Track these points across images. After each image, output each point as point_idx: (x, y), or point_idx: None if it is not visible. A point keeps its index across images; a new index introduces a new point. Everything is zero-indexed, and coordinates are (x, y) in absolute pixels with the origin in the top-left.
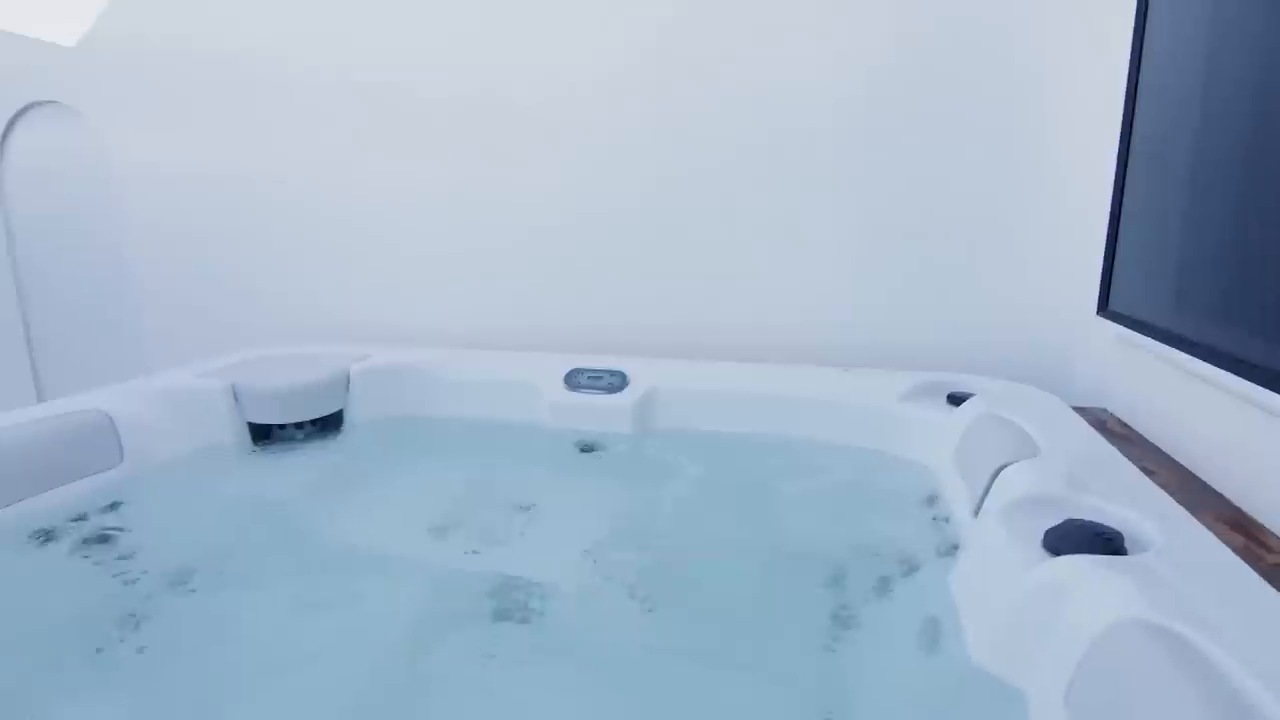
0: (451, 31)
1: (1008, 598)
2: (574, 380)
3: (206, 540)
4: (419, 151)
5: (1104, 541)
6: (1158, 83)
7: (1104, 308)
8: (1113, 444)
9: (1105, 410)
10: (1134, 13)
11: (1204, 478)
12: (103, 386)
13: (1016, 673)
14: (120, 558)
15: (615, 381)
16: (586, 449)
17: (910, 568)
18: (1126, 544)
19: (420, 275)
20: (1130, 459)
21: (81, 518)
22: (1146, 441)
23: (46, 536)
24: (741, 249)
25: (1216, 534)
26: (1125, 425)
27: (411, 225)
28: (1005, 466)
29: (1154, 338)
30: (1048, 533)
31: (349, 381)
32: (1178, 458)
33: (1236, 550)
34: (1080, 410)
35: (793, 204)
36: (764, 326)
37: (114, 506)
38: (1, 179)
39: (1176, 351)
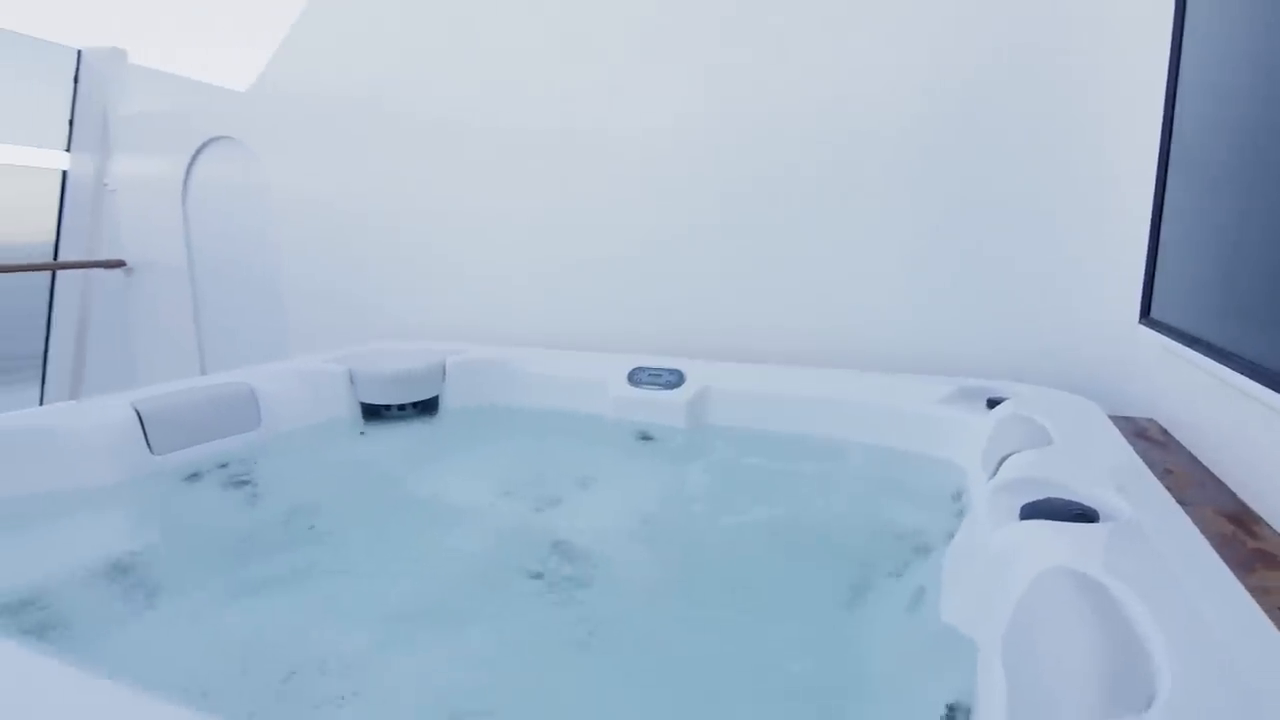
0: (545, 79)
1: (977, 561)
2: (636, 377)
3: (320, 490)
4: (513, 181)
5: (1075, 515)
6: (1196, 87)
7: (1145, 315)
8: (1140, 447)
9: (1153, 420)
10: (1172, 16)
11: (1233, 488)
12: (250, 365)
13: (973, 625)
14: (251, 497)
15: (673, 379)
16: (645, 438)
17: (925, 550)
18: (1100, 520)
19: (510, 285)
20: (1153, 461)
21: (225, 465)
22: (1182, 449)
23: (195, 476)
24: (798, 263)
25: (1207, 522)
26: (1166, 434)
27: (503, 244)
28: (1012, 454)
29: (1186, 345)
30: (1025, 506)
31: (445, 372)
32: (1214, 468)
33: (1223, 536)
34: (1127, 420)
35: (847, 220)
36: (816, 333)
37: (249, 461)
38: (186, 197)
39: (1203, 358)
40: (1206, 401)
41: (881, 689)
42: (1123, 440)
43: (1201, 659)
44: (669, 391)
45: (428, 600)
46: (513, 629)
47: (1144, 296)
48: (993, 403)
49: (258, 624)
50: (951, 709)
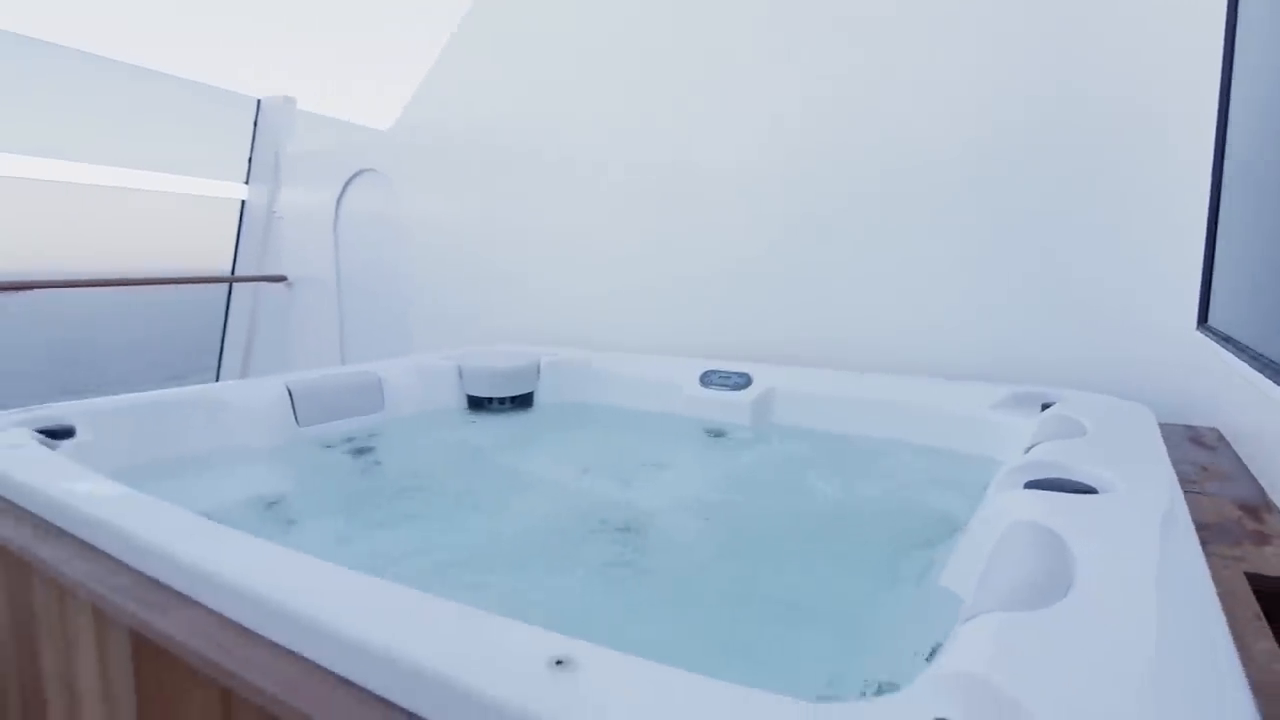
0: (641, 119)
1: (974, 529)
2: (708, 379)
3: (428, 461)
4: (605, 207)
5: (1074, 489)
6: (1248, 98)
7: (1203, 322)
8: (1186, 449)
9: (1215, 429)
10: (1224, 21)
11: (1266, 487)
12: (377, 360)
13: (963, 584)
14: (371, 464)
15: (741, 381)
16: (714, 434)
17: (954, 531)
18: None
19: (599, 298)
20: (1192, 459)
21: (353, 439)
22: (1231, 453)
23: (329, 445)
24: (862, 276)
25: (1217, 507)
26: (1222, 439)
27: (594, 262)
28: (1039, 443)
29: (1235, 352)
30: (1029, 481)
31: (539, 371)
32: (1259, 474)
33: (1226, 518)
34: (1186, 427)
35: (908, 237)
36: (880, 342)
37: (373, 436)
38: (337, 222)
39: (1243, 364)
40: (1256, 406)
41: (883, 635)
42: (1158, 438)
43: (1116, 573)
44: (736, 392)
45: (509, 540)
46: (576, 565)
47: (1201, 303)
48: (1047, 407)
49: (370, 549)
50: (934, 649)
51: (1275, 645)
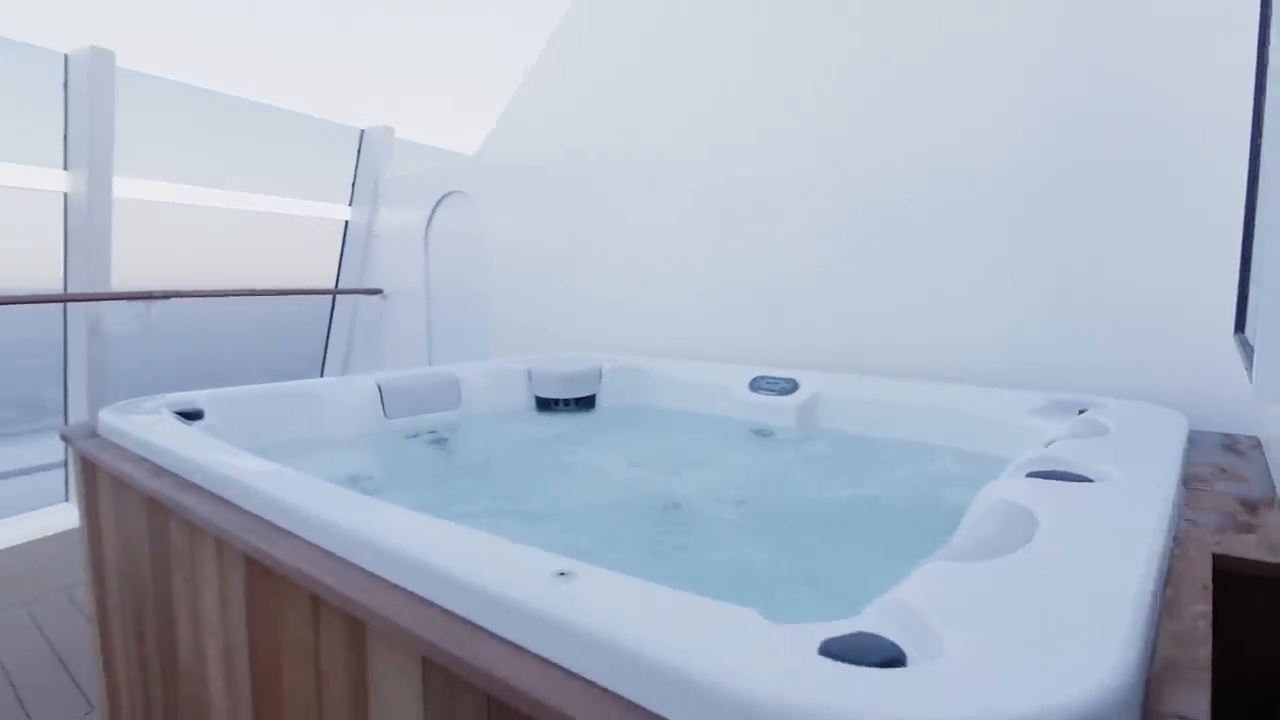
0: (701, 136)
1: (971, 510)
2: (757, 384)
3: (498, 451)
4: (663, 223)
5: (1069, 479)
6: None
7: (1239, 330)
8: (1215, 454)
9: (1254, 437)
10: (1256, 24)
11: None
12: (456, 362)
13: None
14: (448, 452)
15: (788, 386)
16: (760, 434)
17: None
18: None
19: (656, 309)
20: (1214, 462)
21: (433, 431)
22: (1260, 461)
23: (413, 436)
24: (906, 286)
25: (1216, 502)
26: (1259, 448)
27: (650, 276)
28: (1057, 440)
29: None
30: (1031, 472)
31: (601, 375)
32: None
33: (1221, 512)
34: (1224, 435)
35: (951, 249)
36: (924, 350)
37: (450, 429)
38: (429, 239)
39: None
40: None
41: (876, 595)
42: (1178, 441)
43: (1064, 538)
44: (783, 397)
45: (566, 510)
46: (623, 536)
47: (1238, 310)
48: (1083, 414)
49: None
50: None
51: (1209, 609)
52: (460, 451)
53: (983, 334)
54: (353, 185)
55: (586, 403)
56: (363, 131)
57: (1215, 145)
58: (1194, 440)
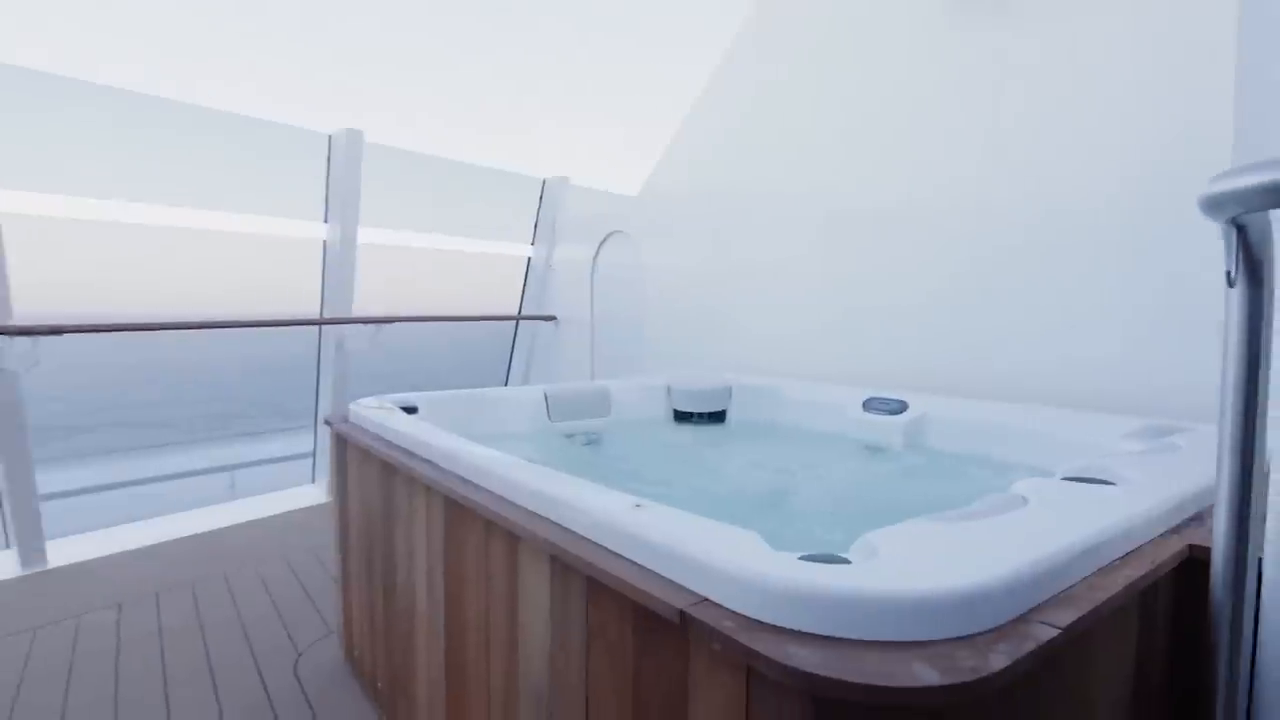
0: (829, 167)
1: None
2: (869, 404)
3: (640, 451)
4: (797, 252)
5: (1095, 482)
6: None
7: None
8: None
9: None
10: None
11: None
12: (610, 378)
13: None
14: (598, 450)
15: (897, 407)
16: (869, 449)
17: None
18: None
19: (784, 333)
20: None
21: (587, 433)
22: None
23: (570, 437)
24: (1014, 311)
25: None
26: None
27: (779, 302)
28: (1117, 454)
29: None
30: (1065, 477)
31: (731, 392)
32: None
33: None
34: None
35: (1056, 276)
36: (1033, 374)
37: (601, 433)
38: (595, 275)
39: None
40: None
41: None
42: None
43: (1046, 513)
44: (893, 416)
45: (690, 493)
46: (732, 513)
47: None
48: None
49: None
50: None
51: (1140, 575)
52: (608, 449)
53: (1092, 358)
54: (534, 227)
55: (718, 416)
56: (544, 181)
57: None
58: None
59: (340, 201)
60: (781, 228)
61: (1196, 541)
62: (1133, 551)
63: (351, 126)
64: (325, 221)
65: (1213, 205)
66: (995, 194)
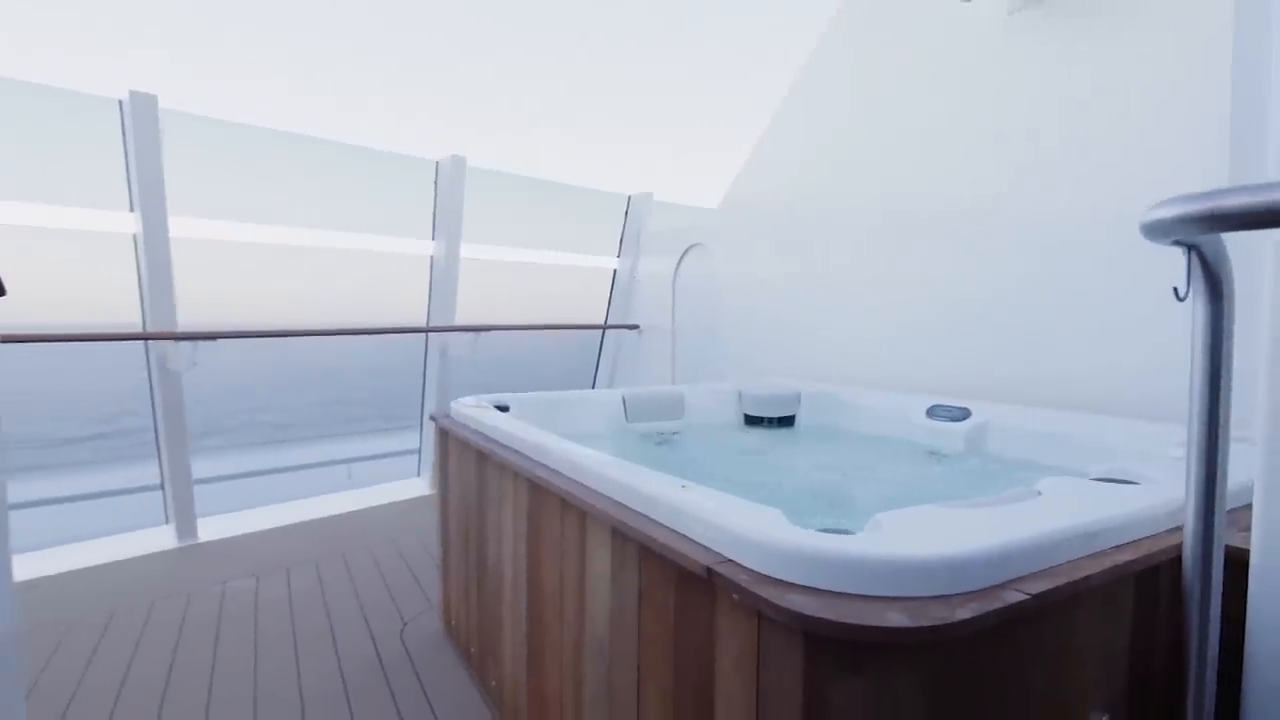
0: (892, 175)
1: None
2: (933, 411)
3: (711, 451)
4: (866, 260)
5: (1121, 482)
6: None
7: None
8: None
9: None
10: None
11: None
12: (685, 383)
13: None
14: (673, 448)
15: (960, 414)
16: (930, 454)
17: None
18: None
19: (850, 340)
20: None
21: (663, 434)
22: None
23: (646, 437)
24: (1075, 318)
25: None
26: None
27: (848, 309)
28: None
29: None
30: (1093, 477)
31: (800, 398)
32: None
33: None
34: None
35: (1116, 281)
36: (1096, 382)
37: (674, 433)
38: (676, 286)
39: None
40: None
41: None
42: None
43: (1054, 504)
44: (955, 423)
45: (754, 490)
46: (796, 506)
47: None
48: None
49: None
50: None
51: (1135, 559)
52: (680, 448)
53: (1157, 368)
54: (620, 241)
55: (787, 421)
56: (629, 197)
57: None
58: None
59: (446, 221)
60: (852, 236)
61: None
62: (1131, 542)
63: (456, 153)
64: (432, 239)
65: (1150, 231)
66: (1059, 202)
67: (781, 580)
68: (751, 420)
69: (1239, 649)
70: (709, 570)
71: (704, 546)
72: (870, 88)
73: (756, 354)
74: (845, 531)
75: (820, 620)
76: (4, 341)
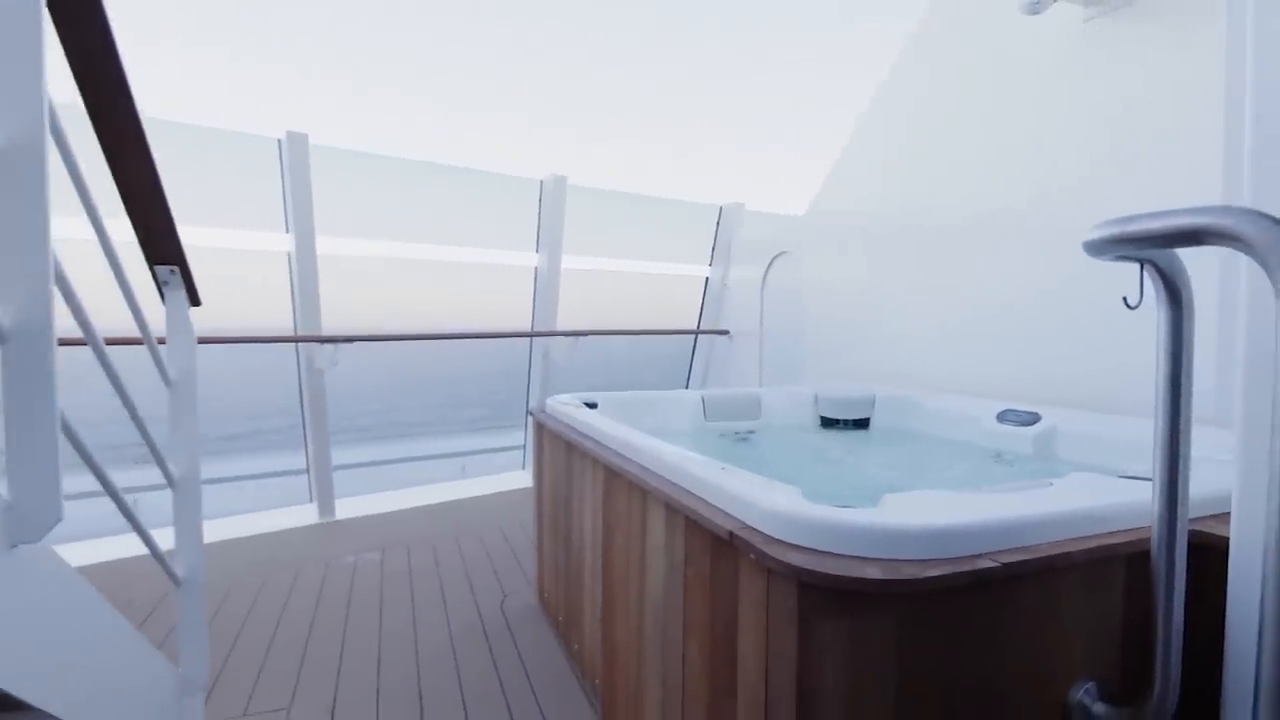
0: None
1: None
2: (1003, 416)
3: (787, 450)
4: (942, 264)
5: (1138, 479)
6: None
7: None
8: None
9: None
10: None
11: None
12: (765, 386)
13: None
14: (750, 446)
15: (1029, 419)
16: (999, 458)
17: None
18: None
19: (924, 346)
20: None
21: (738, 433)
22: None
23: (723, 435)
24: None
25: None
26: None
27: (919, 313)
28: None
29: None
30: (1121, 475)
31: (875, 402)
32: None
33: None
34: None
35: (1196, 284)
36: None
37: (750, 433)
38: (764, 294)
39: None
40: None
41: None
42: None
43: (1059, 494)
44: (1024, 428)
45: (824, 484)
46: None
47: None
48: None
49: None
50: None
51: (1127, 542)
52: (755, 446)
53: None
54: (712, 249)
55: (862, 423)
56: (721, 208)
57: None
58: None
59: (548, 234)
60: (926, 242)
61: (1203, 529)
62: (1128, 530)
63: (557, 173)
64: (536, 251)
65: (1090, 249)
66: (1131, 206)
67: (786, 542)
68: (827, 422)
69: (1221, 631)
70: (731, 535)
71: (732, 516)
72: (944, 100)
73: (839, 358)
74: (850, 507)
75: (811, 572)
76: (201, 343)
